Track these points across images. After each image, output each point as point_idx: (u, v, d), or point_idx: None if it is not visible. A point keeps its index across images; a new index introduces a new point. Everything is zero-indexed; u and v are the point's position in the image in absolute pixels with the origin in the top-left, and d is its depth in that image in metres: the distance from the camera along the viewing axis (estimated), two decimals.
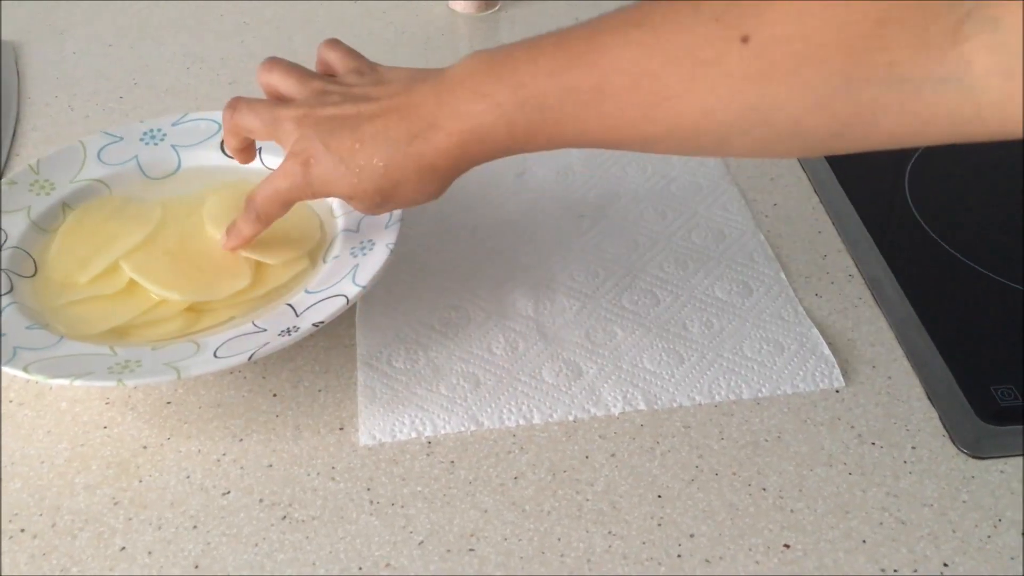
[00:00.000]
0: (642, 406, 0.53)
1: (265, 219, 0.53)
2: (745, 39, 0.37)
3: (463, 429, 0.52)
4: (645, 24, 0.41)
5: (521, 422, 0.52)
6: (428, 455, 0.51)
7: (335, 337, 0.57)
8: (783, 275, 0.60)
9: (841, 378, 0.54)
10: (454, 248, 0.63)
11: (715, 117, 0.40)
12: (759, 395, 0.53)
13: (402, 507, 0.48)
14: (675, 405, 0.53)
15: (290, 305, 0.53)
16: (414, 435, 0.51)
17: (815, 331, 0.56)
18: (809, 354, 0.55)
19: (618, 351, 0.56)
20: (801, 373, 0.54)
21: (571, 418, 0.52)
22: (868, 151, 0.41)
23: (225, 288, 0.55)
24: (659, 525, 0.47)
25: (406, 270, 0.61)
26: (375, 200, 0.48)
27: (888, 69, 0.36)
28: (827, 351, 0.55)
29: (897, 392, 0.53)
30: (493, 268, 0.62)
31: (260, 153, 0.65)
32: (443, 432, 0.52)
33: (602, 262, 0.62)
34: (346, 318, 0.57)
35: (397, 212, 0.58)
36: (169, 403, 0.54)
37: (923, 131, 0.38)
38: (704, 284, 0.60)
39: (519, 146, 0.46)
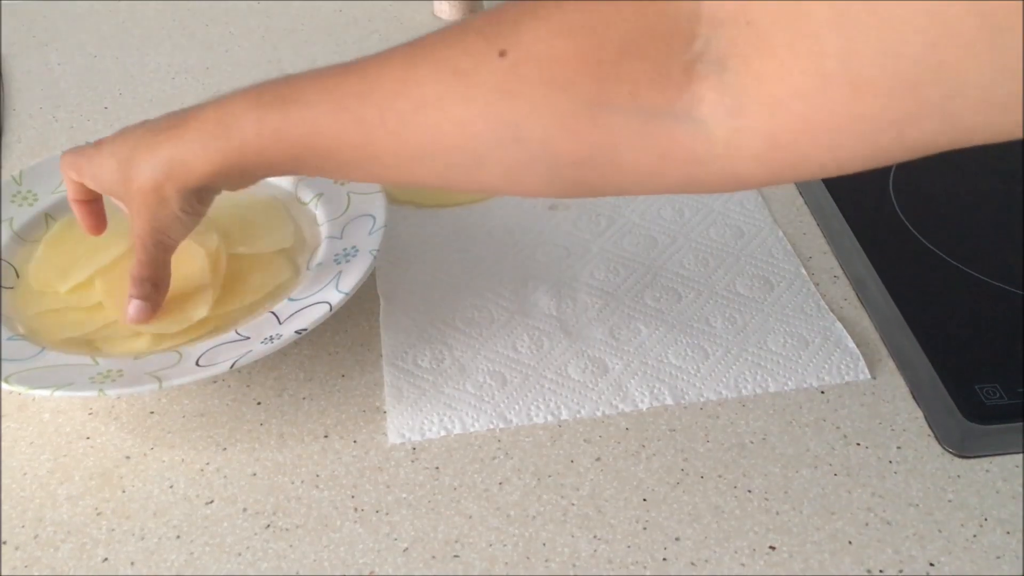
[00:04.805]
0: (669, 400, 0.53)
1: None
2: (503, 53, 0.38)
3: (492, 426, 0.52)
4: (422, 42, 0.42)
5: (550, 418, 0.52)
6: (412, 462, 0.50)
7: (319, 345, 0.57)
8: (803, 270, 0.61)
9: (867, 370, 0.54)
10: (473, 249, 0.64)
11: (468, 129, 0.40)
12: (785, 388, 0.53)
13: (386, 514, 0.48)
14: (702, 399, 0.53)
15: (273, 313, 0.53)
16: (443, 433, 0.52)
17: (839, 325, 0.57)
18: (834, 347, 0.55)
19: (643, 347, 0.56)
20: (826, 366, 0.54)
21: (599, 414, 0.52)
22: (615, 194, 0.42)
23: (179, 320, 0.54)
24: (644, 528, 0.47)
25: (426, 272, 0.62)
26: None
27: (629, 99, 0.37)
28: (852, 344, 0.55)
29: (882, 392, 0.53)
30: (513, 268, 0.62)
31: None
32: (472, 430, 0.52)
33: (622, 260, 0.62)
34: (331, 325, 0.57)
35: (381, 219, 0.58)
36: (152, 413, 0.53)
37: (662, 169, 0.38)
38: (725, 280, 0.61)
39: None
